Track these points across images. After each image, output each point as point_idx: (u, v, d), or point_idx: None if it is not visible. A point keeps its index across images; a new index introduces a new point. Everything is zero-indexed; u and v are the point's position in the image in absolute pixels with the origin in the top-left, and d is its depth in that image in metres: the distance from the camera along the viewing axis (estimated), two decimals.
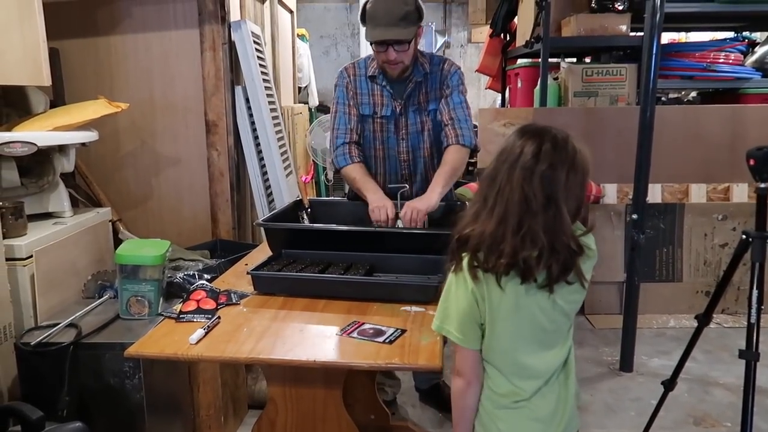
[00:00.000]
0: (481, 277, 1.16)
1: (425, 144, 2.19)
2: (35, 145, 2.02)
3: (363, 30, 2.10)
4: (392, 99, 2.15)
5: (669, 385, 2.11)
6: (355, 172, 2.14)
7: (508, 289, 1.15)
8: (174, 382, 2.10)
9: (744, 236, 1.83)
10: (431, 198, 1.99)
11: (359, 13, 2.08)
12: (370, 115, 2.18)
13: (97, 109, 2.34)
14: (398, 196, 2.04)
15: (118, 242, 2.51)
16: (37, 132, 2.11)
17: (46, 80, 2.12)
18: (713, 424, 2.42)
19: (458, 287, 1.20)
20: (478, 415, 1.26)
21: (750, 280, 1.77)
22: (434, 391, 2.53)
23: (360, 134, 2.20)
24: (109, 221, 2.53)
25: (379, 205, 2.01)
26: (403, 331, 1.45)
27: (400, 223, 1.99)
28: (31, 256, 1.96)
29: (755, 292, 1.74)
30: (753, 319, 1.74)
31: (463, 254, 1.18)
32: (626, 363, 2.86)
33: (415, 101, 2.16)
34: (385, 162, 2.23)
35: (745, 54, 3.92)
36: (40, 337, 1.81)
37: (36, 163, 2.26)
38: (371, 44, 2.05)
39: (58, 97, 2.67)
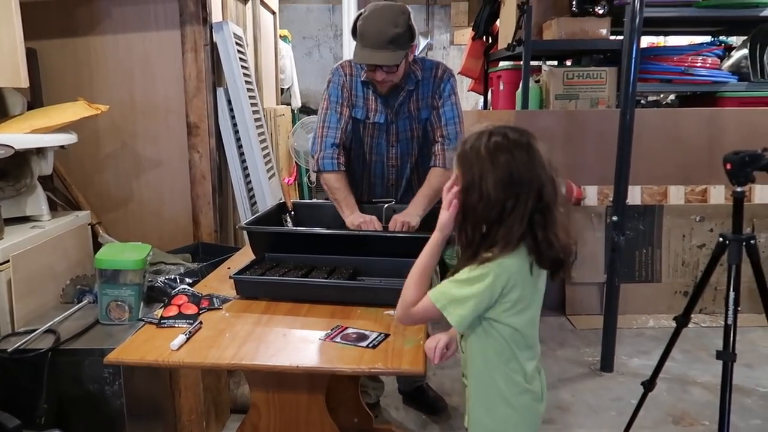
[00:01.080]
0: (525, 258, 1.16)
1: (414, 150, 2.19)
2: (12, 147, 1.98)
3: (348, 36, 2.09)
4: (385, 107, 2.13)
5: (649, 385, 2.14)
6: (338, 182, 2.10)
7: (535, 270, 1.19)
8: (155, 387, 2.08)
9: (721, 239, 1.86)
10: (416, 214, 2.00)
11: (350, 26, 2.04)
12: (362, 120, 2.15)
13: (76, 111, 2.30)
14: (385, 208, 2.07)
15: (97, 246, 2.48)
16: (15, 134, 2.07)
17: (24, 81, 2.09)
18: (692, 423, 2.46)
19: (493, 277, 1.15)
20: (486, 399, 1.26)
21: (726, 282, 1.80)
22: (417, 393, 2.54)
23: (349, 137, 2.16)
24: (89, 225, 2.50)
25: (364, 220, 2.00)
26: (387, 336, 1.45)
27: None
28: (8, 261, 1.92)
29: (732, 294, 1.77)
30: (730, 321, 1.77)
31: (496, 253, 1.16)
32: (607, 363, 2.89)
33: (406, 109, 2.13)
34: (372, 166, 2.22)
35: (722, 58, 3.99)
36: (18, 344, 1.78)
37: (13, 166, 2.22)
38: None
39: (35, 99, 2.63)
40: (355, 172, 2.23)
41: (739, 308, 1.78)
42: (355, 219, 2.02)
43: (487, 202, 1.14)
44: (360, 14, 1.99)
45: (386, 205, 2.09)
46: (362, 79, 2.11)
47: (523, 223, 1.13)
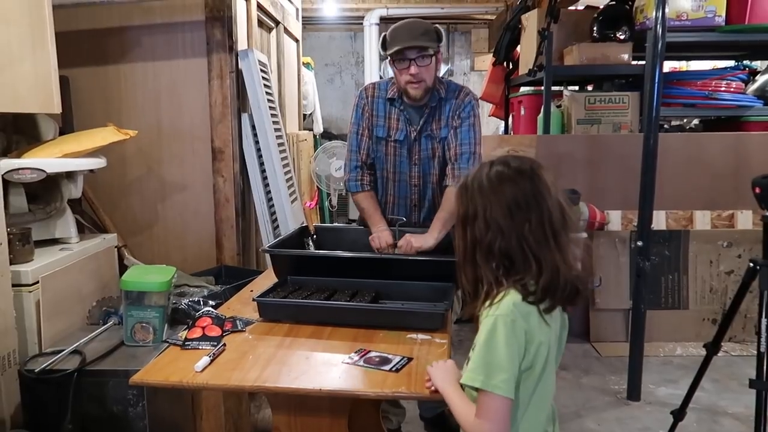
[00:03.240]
0: (531, 311, 1.10)
1: (434, 170, 2.20)
2: (44, 171, 2.04)
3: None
4: (408, 124, 2.17)
5: (678, 414, 2.09)
6: (364, 201, 2.20)
7: (551, 322, 1.12)
8: (177, 410, 2.08)
9: (751, 264, 1.82)
10: (428, 240, 2.01)
11: (379, 43, 2.12)
12: (383, 138, 2.19)
13: (105, 136, 2.36)
14: (397, 226, 2.13)
15: (123, 268, 2.52)
16: (47, 159, 2.13)
17: (57, 108, 2.15)
18: None
19: (507, 329, 1.07)
20: None
21: (759, 309, 1.76)
22: (439, 419, 2.50)
23: (372, 156, 2.22)
24: (115, 247, 2.54)
25: (378, 234, 2.10)
26: (410, 359, 1.44)
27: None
28: (37, 282, 1.96)
29: (764, 321, 1.73)
30: (763, 348, 1.73)
31: (507, 288, 1.10)
32: (634, 392, 2.82)
33: (429, 128, 2.16)
34: (396, 185, 2.24)
35: (746, 82, 3.95)
36: (44, 364, 1.80)
37: (44, 190, 2.28)
38: (392, 64, 2.06)
39: (67, 124, 2.71)
40: (378, 192, 2.27)
41: None
42: (374, 231, 2.13)
43: (497, 230, 1.10)
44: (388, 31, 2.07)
45: (398, 224, 2.13)
46: (388, 96, 2.17)
47: (537, 249, 1.09)
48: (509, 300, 1.09)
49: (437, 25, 2.07)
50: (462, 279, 1.17)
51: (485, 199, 1.11)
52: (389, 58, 2.05)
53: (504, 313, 1.08)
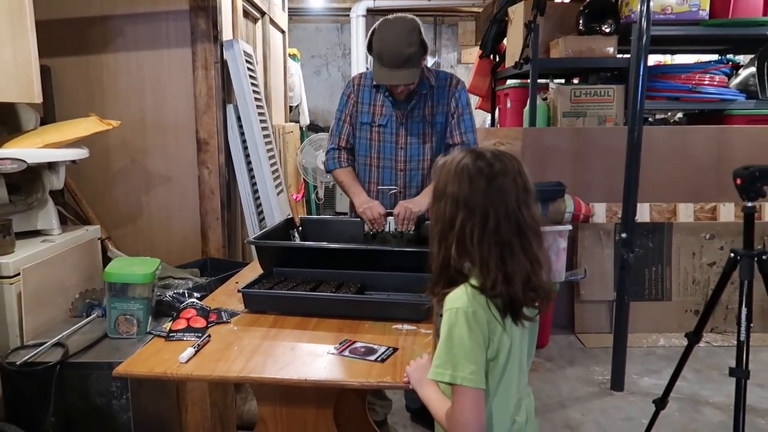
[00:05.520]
0: (490, 303, 1.09)
1: (425, 156, 2.22)
2: (25, 162, 2.01)
3: (356, 55, 2.16)
4: (394, 109, 2.20)
5: (660, 403, 2.11)
6: (343, 175, 2.28)
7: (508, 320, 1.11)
8: (162, 402, 2.07)
9: (732, 254, 1.85)
10: (422, 202, 2.06)
11: (366, 40, 2.15)
12: (368, 123, 2.24)
13: (88, 126, 2.33)
14: (390, 197, 2.19)
15: (106, 260, 2.49)
16: (27, 149, 2.10)
17: (37, 97, 2.12)
18: None
19: (468, 320, 1.07)
20: None
21: (739, 298, 1.79)
22: (425, 410, 2.49)
23: (353, 142, 2.30)
24: (98, 239, 2.51)
25: (369, 205, 2.12)
26: (395, 350, 1.44)
27: (391, 221, 2.10)
28: (19, 274, 1.93)
29: (744, 310, 1.76)
30: (743, 337, 1.75)
31: (469, 282, 1.11)
32: (617, 382, 2.86)
33: (420, 113, 2.20)
34: (379, 170, 2.26)
35: (730, 76, 3.99)
36: (26, 357, 1.78)
37: (25, 181, 2.24)
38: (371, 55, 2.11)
39: (48, 115, 2.67)
40: (362, 179, 2.28)
41: (751, 325, 1.76)
42: (361, 205, 2.15)
43: (452, 216, 1.11)
44: (374, 30, 2.07)
45: (390, 192, 2.20)
46: (374, 83, 2.21)
47: (479, 250, 1.08)
48: (467, 290, 1.10)
49: (421, 32, 2.06)
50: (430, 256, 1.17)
51: (446, 182, 1.13)
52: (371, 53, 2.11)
53: (464, 305, 1.08)
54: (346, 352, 1.43)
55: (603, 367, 3.05)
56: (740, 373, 1.76)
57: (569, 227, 3.22)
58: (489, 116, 5.16)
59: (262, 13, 3.98)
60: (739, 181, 1.77)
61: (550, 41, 3.85)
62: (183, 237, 2.98)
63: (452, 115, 2.20)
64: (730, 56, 4.59)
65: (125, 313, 1.89)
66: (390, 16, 2.09)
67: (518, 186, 1.10)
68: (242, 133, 3.07)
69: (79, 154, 2.33)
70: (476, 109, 5.47)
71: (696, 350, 2.06)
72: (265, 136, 3.21)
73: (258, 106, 3.16)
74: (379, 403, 2.45)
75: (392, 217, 2.10)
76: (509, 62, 4.18)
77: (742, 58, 4.63)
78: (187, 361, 1.38)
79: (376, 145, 2.24)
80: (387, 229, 2.12)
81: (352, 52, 7.04)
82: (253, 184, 3.14)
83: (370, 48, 2.11)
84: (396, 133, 2.21)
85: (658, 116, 4.67)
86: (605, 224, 3.54)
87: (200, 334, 1.52)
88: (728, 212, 3.59)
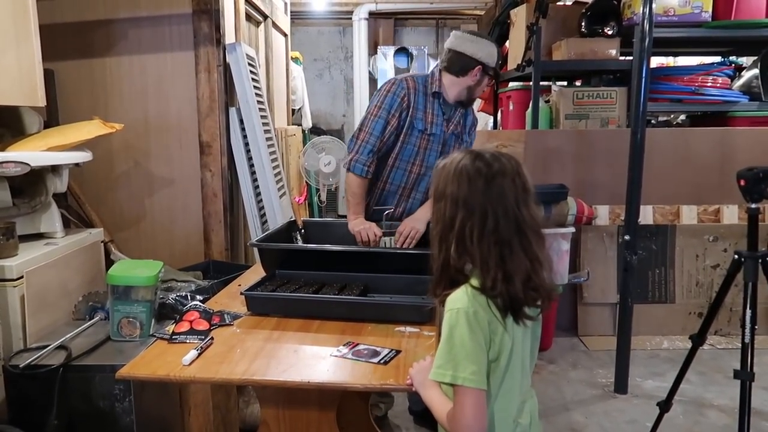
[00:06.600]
0: (491, 303, 1.09)
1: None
2: (28, 165, 2.01)
3: (358, 58, 2.15)
4: (443, 119, 2.23)
5: (664, 406, 2.10)
6: (359, 188, 2.19)
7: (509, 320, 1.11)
8: (165, 405, 2.07)
9: (736, 256, 1.84)
10: (420, 224, 2.07)
11: (497, 63, 2.20)
12: (422, 130, 2.20)
13: (91, 129, 2.34)
14: (383, 217, 2.16)
15: (109, 263, 2.49)
16: (31, 152, 2.10)
17: (41, 101, 2.13)
18: None
19: (469, 321, 1.07)
20: None
21: (743, 300, 1.78)
22: (429, 412, 2.49)
23: (394, 148, 2.22)
24: (101, 242, 2.52)
25: (365, 227, 2.10)
26: (398, 352, 1.44)
27: (387, 241, 2.09)
28: (22, 277, 1.93)
29: (748, 312, 1.75)
30: (747, 339, 1.75)
31: (470, 282, 1.11)
32: (621, 385, 2.85)
33: (457, 128, 2.27)
34: (418, 178, 2.25)
35: (733, 78, 3.98)
36: (29, 360, 1.78)
37: (28, 183, 2.25)
38: (481, 76, 2.17)
39: (52, 118, 2.67)
40: (397, 185, 2.26)
41: (756, 327, 1.75)
42: (356, 225, 2.12)
43: (452, 216, 1.11)
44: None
45: (386, 212, 2.18)
46: (433, 90, 2.20)
47: (479, 250, 1.08)
48: (468, 291, 1.10)
49: None
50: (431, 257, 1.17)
51: (450, 185, 1.13)
52: (487, 73, 2.17)
53: (464, 306, 1.08)
54: (350, 355, 1.43)
55: (606, 369, 3.04)
56: (745, 376, 1.75)
57: (572, 229, 3.22)
58: (491, 119, 5.16)
59: (265, 17, 3.99)
60: (742, 183, 1.76)
61: (553, 44, 3.85)
62: (186, 240, 2.98)
63: (462, 131, 2.29)
64: (732, 58, 4.57)
65: (128, 315, 1.89)
66: (469, 32, 2.21)
67: (517, 186, 1.11)
68: (245, 136, 3.07)
69: (83, 157, 2.34)
70: (479, 111, 5.48)
71: (700, 353, 2.06)
72: (268, 139, 3.22)
73: (260, 109, 3.16)
74: (382, 400, 2.45)
75: (388, 238, 2.10)
76: (511, 65, 4.18)
77: (745, 60, 4.62)
78: (190, 364, 1.38)
79: (423, 152, 2.22)
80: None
81: (355, 56, 7.04)
82: (256, 187, 3.14)
83: (475, 58, 2.14)
84: (441, 143, 2.23)
85: (660, 118, 4.66)
86: (608, 226, 3.53)
87: (203, 337, 1.52)
88: (732, 214, 3.58)
